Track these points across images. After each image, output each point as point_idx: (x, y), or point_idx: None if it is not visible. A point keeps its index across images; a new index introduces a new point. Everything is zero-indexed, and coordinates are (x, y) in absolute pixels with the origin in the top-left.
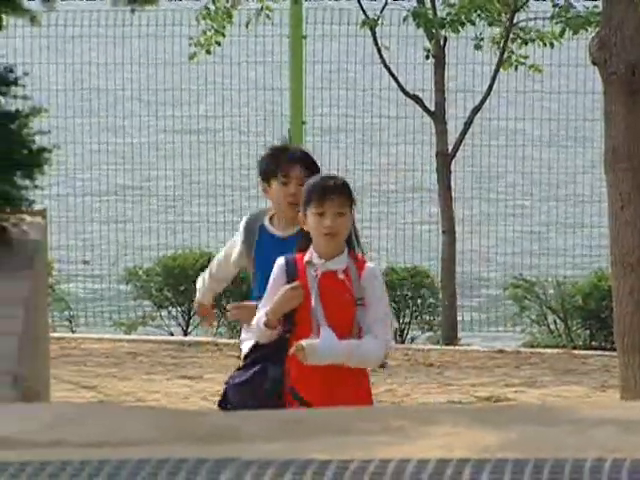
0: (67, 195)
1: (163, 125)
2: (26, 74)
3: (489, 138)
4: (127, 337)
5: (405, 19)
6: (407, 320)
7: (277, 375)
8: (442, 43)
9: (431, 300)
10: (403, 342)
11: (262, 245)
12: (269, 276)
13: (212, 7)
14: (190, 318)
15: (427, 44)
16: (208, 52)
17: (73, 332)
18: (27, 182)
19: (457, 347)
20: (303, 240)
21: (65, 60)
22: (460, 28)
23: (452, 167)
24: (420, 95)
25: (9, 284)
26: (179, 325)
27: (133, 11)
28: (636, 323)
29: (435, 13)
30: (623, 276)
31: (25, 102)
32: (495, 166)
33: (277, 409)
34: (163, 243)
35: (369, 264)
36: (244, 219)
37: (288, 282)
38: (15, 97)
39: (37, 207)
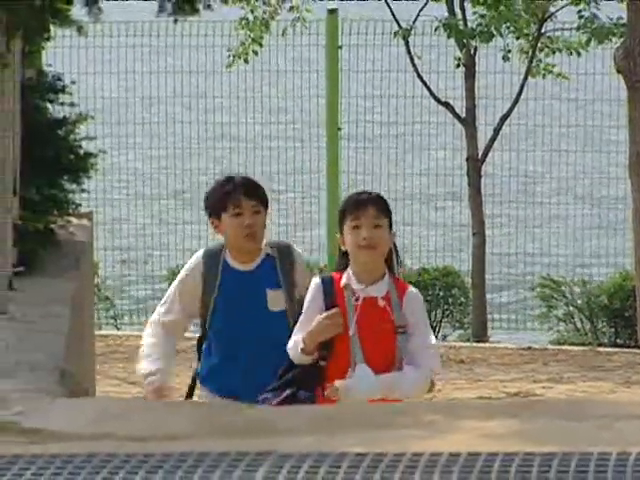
0: (118, 199)
1: (205, 131)
2: (73, 82)
3: (517, 143)
4: None
5: (437, 29)
6: (439, 318)
7: (307, 402)
8: (472, 52)
9: (462, 299)
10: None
11: (228, 283)
12: (235, 314)
13: (250, 17)
14: None
15: (458, 53)
16: (246, 61)
17: (118, 329)
18: (74, 186)
19: (487, 344)
20: (340, 260)
21: (111, 69)
22: (490, 39)
23: (483, 171)
24: (451, 102)
25: (57, 284)
26: None
27: (176, 21)
28: None
29: (465, 24)
30: None
31: (72, 109)
32: (529, 172)
33: None
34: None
35: (411, 289)
36: (199, 254)
37: (326, 304)
38: (62, 104)
39: (84, 210)
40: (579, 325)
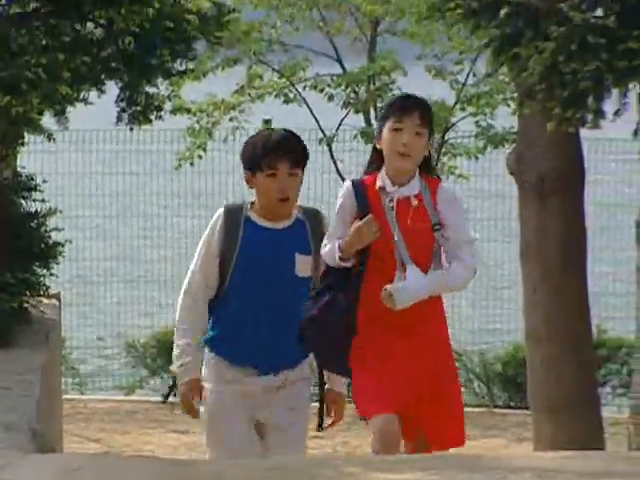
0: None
1: (157, 223)
2: (45, 181)
3: None
4: (127, 398)
5: (355, 136)
6: None
7: (345, 306)
8: None
9: None
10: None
11: (253, 239)
12: (258, 273)
13: (197, 126)
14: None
15: None
16: (192, 164)
17: (82, 394)
18: (44, 271)
19: None
20: (374, 160)
21: (77, 170)
22: None
23: None
24: None
25: (29, 355)
26: (170, 388)
27: (132, 129)
28: (545, 388)
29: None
30: (535, 348)
31: (43, 204)
32: None
33: (345, 343)
34: (156, 322)
35: (442, 184)
36: (220, 211)
37: (359, 209)
38: (34, 200)
39: (52, 291)
40: (477, 390)
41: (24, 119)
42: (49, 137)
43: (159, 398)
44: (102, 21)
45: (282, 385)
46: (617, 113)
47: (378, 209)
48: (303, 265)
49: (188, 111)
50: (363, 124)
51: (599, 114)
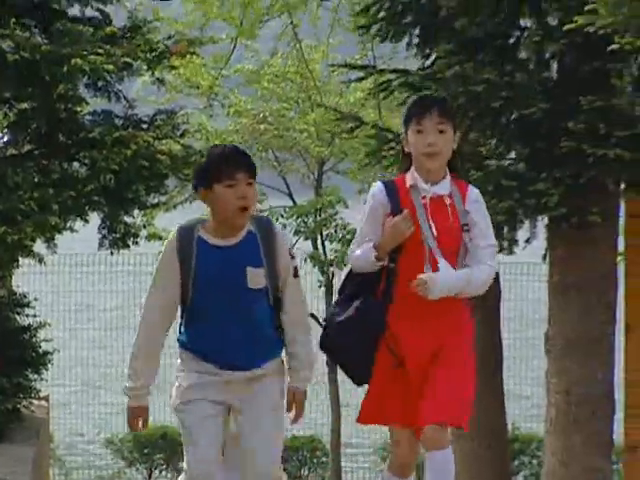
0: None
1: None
2: (36, 299)
3: None
4: None
5: (305, 259)
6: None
7: (378, 311)
8: (330, 277)
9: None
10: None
11: (206, 259)
12: (214, 291)
13: None
14: (152, 473)
15: (320, 277)
16: None
17: None
18: (35, 376)
19: None
20: (403, 162)
21: (64, 288)
22: (344, 266)
23: None
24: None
25: (21, 449)
26: (144, 478)
27: (112, 253)
28: None
29: (325, 255)
30: (455, 444)
31: (34, 319)
32: None
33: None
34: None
35: (472, 188)
36: (174, 232)
37: (392, 208)
38: (27, 315)
39: (42, 394)
40: None
41: (19, 245)
42: (40, 260)
43: None
44: (86, 161)
45: (254, 378)
46: (528, 241)
47: (410, 207)
48: (255, 277)
49: (160, 238)
50: (312, 249)
51: (513, 242)
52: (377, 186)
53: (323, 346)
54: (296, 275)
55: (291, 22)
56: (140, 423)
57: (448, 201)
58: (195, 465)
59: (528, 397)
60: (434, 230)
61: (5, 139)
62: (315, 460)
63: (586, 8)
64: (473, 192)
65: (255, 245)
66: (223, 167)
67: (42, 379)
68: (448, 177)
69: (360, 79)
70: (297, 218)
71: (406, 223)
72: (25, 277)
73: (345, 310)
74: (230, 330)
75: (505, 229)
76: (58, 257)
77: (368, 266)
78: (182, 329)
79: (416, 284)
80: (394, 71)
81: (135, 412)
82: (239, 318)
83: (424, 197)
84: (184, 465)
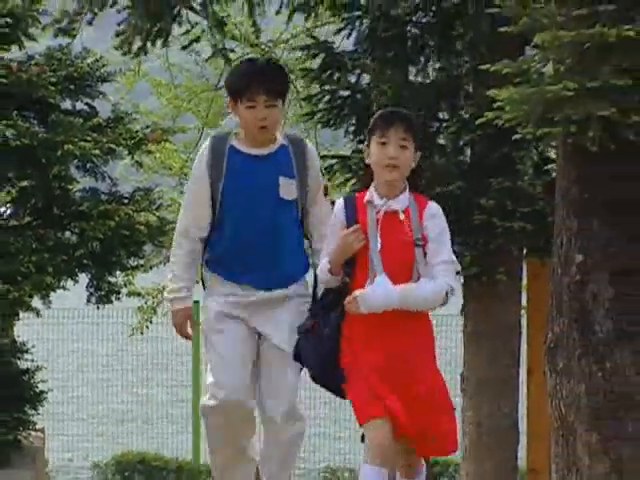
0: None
1: (126, 378)
2: (33, 346)
3: None
4: None
5: None
6: None
7: (337, 322)
8: None
9: None
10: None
11: (235, 168)
12: (244, 198)
13: (145, 305)
14: None
15: None
16: (141, 332)
17: None
18: (32, 411)
19: None
20: (364, 175)
21: (59, 337)
22: None
23: None
24: None
25: (19, 474)
26: None
27: (98, 307)
28: None
29: None
30: None
31: (32, 363)
32: None
33: (335, 358)
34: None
35: (432, 203)
36: (207, 142)
37: (347, 220)
38: (26, 360)
39: (38, 426)
40: None
41: (19, 301)
42: (37, 313)
43: None
44: (77, 230)
45: (279, 300)
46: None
47: (365, 222)
48: (287, 188)
49: (139, 294)
50: None
51: None
52: (338, 202)
53: (295, 358)
54: (326, 194)
55: None
56: (188, 325)
57: (402, 216)
58: (226, 388)
59: None
60: (379, 244)
61: (8, 212)
62: None
63: (495, 105)
64: (432, 207)
65: (288, 158)
66: (243, 88)
67: (39, 414)
68: (407, 192)
69: None
70: None
71: (356, 237)
72: (25, 327)
73: (308, 322)
74: (257, 244)
75: None
76: (57, 311)
77: (329, 280)
78: (208, 249)
79: (347, 301)
80: (334, 157)
81: (179, 314)
82: (267, 231)
83: (378, 212)
84: (209, 388)
